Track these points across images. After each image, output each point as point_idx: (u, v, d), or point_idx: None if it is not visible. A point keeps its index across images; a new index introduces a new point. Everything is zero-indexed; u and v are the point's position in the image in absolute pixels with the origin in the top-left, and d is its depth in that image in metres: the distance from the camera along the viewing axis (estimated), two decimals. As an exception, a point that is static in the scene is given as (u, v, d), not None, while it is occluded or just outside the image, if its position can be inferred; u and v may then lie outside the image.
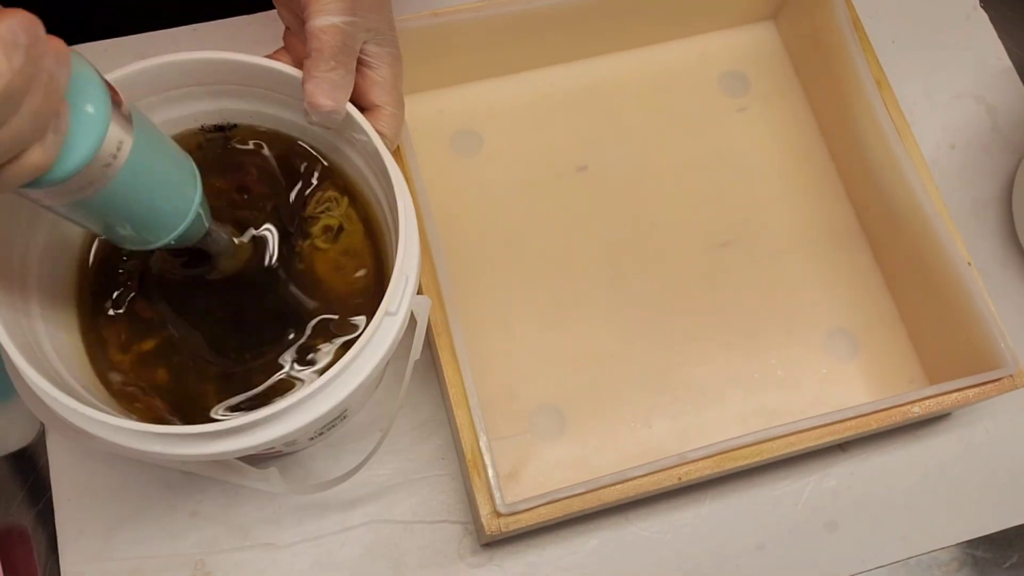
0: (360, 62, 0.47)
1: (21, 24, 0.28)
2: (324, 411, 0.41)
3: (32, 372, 0.39)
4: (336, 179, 0.51)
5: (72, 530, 0.54)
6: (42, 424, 0.55)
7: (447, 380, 0.51)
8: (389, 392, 0.57)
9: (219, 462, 0.47)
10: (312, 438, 0.52)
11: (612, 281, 0.60)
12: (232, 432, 0.41)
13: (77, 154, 0.33)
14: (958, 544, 0.58)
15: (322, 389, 0.41)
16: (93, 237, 0.49)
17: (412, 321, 0.45)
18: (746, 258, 0.62)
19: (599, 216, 0.62)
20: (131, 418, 0.42)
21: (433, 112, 0.63)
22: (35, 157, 0.31)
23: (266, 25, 0.64)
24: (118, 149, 0.34)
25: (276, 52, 0.49)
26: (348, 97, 0.45)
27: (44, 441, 0.55)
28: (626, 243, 0.61)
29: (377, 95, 0.48)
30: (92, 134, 0.33)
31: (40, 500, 0.54)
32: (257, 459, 0.53)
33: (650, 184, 0.63)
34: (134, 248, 0.40)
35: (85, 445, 0.45)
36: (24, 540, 0.54)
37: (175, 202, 0.39)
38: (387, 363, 0.44)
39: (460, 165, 0.62)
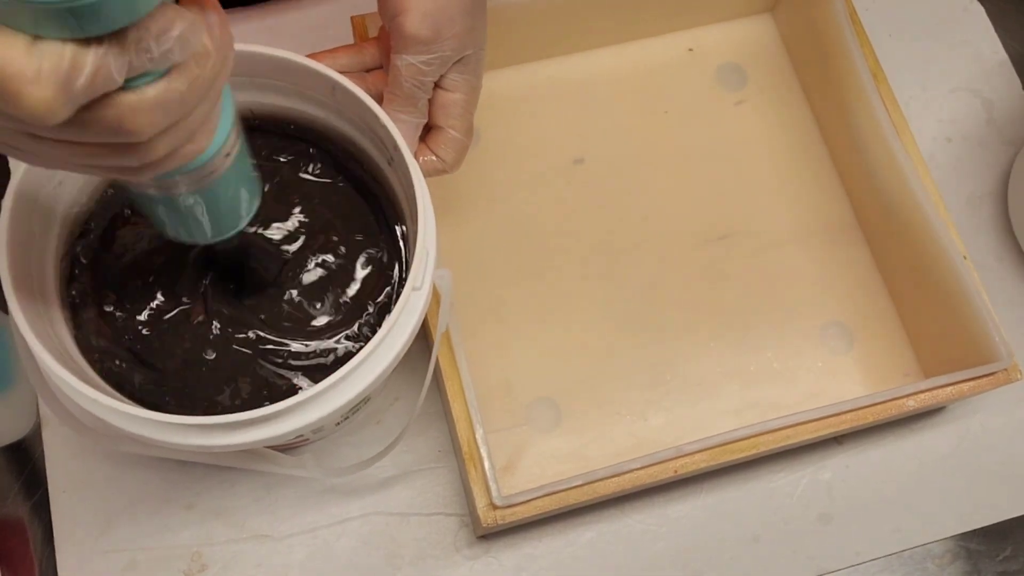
0: (437, 84, 0.49)
1: (222, 14, 0.30)
2: (360, 389, 0.42)
3: (66, 374, 0.39)
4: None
5: (68, 522, 0.54)
6: (38, 416, 0.55)
7: (444, 373, 0.51)
8: (400, 375, 0.57)
9: (252, 452, 0.47)
10: (338, 423, 0.52)
11: (608, 274, 0.60)
12: (269, 418, 0.40)
13: (218, 139, 0.34)
14: (952, 537, 0.58)
15: (356, 368, 0.41)
16: None
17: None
18: (742, 251, 0.62)
19: (596, 209, 0.62)
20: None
21: (430, 104, 0.63)
22: (201, 140, 0.32)
23: (261, 19, 0.64)
24: (236, 138, 0.36)
25: (369, 40, 0.52)
26: (419, 132, 0.49)
27: (40, 433, 0.55)
28: (622, 236, 0.61)
29: (442, 117, 0.49)
30: (227, 121, 0.35)
31: (36, 492, 0.54)
32: (282, 450, 0.53)
33: (647, 177, 0.63)
34: (195, 240, 0.41)
35: (120, 447, 0.44)
36: (20, 532, 0.54)
37: (252, 195, 0.41)
38: (413, 339, 0.44)
39: (457, 158, 0.62)
